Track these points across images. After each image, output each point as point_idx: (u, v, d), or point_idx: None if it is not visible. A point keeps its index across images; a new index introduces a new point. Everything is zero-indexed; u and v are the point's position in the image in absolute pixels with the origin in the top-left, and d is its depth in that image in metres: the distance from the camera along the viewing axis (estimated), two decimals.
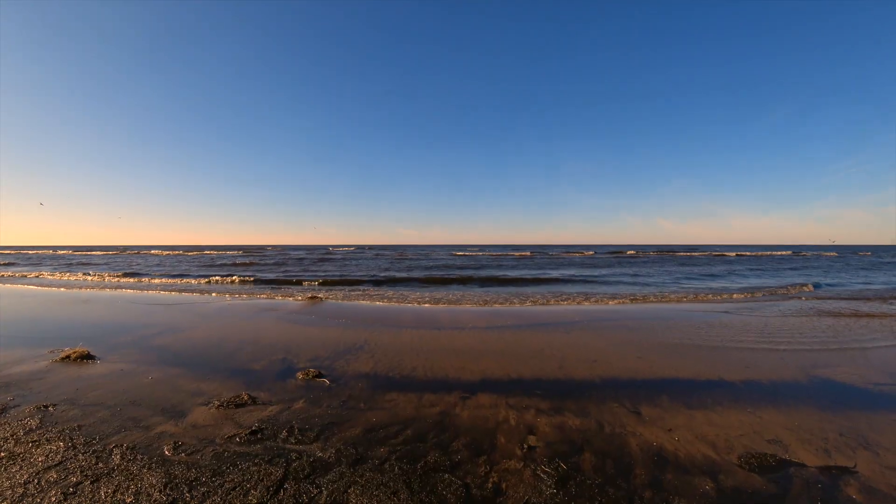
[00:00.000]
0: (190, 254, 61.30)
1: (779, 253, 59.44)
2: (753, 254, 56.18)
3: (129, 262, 39.81)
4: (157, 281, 20.46)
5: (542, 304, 12.32)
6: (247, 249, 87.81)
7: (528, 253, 60.52)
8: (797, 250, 78.95)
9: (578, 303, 12.62)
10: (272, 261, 39.68)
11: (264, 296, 14.38)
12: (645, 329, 8.26)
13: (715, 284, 18.92)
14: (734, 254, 56.90)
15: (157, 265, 33.74)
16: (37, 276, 23.26)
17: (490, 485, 2.93)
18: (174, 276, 22.94)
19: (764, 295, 14.70)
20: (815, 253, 62.66)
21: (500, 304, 12.31)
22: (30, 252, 72.32)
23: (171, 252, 66.59)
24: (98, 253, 65.11)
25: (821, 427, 3.87)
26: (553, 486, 2.92)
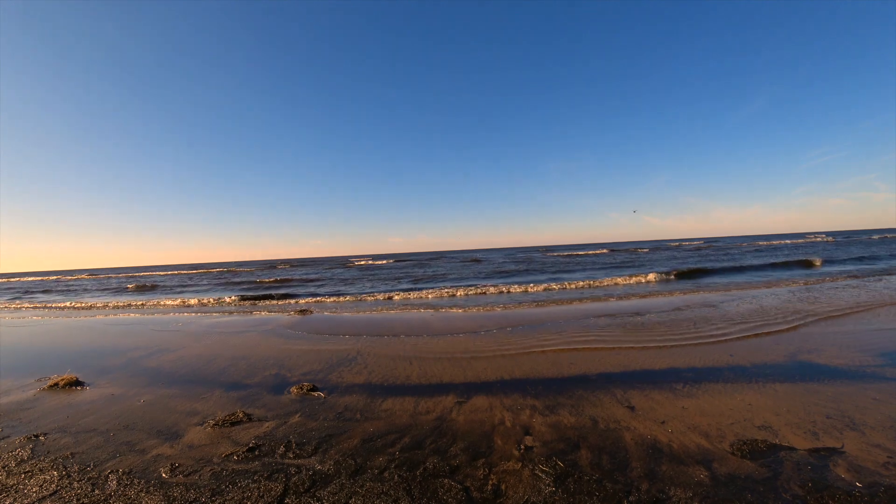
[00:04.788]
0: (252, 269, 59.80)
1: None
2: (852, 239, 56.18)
3: (123, 282, 39.12)
4: (169, 301, 20.12)
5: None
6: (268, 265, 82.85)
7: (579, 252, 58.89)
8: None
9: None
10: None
11: (255, 311, 14.25)
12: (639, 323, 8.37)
13: None
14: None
15: (182, 283, 33.22)
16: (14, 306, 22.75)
17: (490, 487, 2.96)
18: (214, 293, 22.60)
19: None
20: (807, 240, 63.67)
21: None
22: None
23: (204, 270, 64.25)
24: (85, 277, 63.75)
25: (808, 410, 3.97)
26: (552, 484, 2.96)
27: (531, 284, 18.14)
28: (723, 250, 43.49)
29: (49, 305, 20.74)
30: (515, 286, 17.72)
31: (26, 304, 22.12)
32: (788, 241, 57.66)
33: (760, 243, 57.38)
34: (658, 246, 71.87)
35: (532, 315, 10.33)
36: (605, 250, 62.15)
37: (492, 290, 17.02)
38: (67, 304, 21.04)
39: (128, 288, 30.38)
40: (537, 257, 49.48)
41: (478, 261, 50.06)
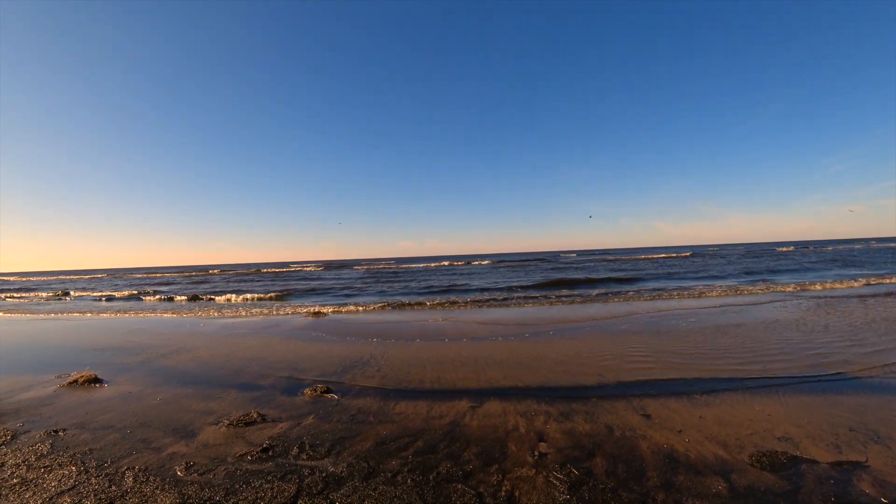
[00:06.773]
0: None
1: None
2: None
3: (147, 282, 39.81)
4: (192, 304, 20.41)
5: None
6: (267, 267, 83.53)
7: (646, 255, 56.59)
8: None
9: None
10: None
11: (269, 313, 14.37)
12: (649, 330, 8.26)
13: None
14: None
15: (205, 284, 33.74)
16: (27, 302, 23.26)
17: (503, 493, 2.94)
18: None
19: None
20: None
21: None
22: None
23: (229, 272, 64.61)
24: (103, 276, 64.94)
25: (830, 422, 3.87)
26: (566, 491, 2.92)
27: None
28: (789, 256, 41.20)
29: (68, 303, 21.18)
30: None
31: (48, 302, 22.64)
32: (841, 248, 55.79)
33: (827, 249, 55.50)
34: (697, 252, 69.87)
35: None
36: (673, 254, 58.77)
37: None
38: (87, 302, 21.46)
39: (144, 289, 30.89)
40: (597, 263, 47.87)
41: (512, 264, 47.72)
